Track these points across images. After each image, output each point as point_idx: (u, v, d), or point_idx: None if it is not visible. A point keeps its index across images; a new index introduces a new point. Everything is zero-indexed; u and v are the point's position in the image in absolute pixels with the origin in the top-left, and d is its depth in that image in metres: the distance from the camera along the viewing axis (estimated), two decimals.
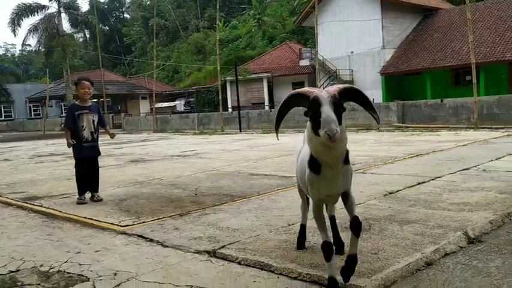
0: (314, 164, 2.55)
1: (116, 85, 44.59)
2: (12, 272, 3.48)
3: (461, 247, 3.45)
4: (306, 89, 2.49)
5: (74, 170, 6.05)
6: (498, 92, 20.51)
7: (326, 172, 2.53)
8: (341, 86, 2.49)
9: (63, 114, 41.36)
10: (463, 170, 6.67)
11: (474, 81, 15.85)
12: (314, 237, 3.78)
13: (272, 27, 49.50)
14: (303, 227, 3.54)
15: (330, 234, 3.08)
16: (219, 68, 24.77)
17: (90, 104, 5.90)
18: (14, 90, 48.69)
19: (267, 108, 30.35)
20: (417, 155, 8.67)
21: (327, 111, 2.28)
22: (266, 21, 49.44)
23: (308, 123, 2.50)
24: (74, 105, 5.92)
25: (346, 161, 2.60)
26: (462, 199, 4.84)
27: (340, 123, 2.31)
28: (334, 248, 2.82)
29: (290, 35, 46.45)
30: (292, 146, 12.64)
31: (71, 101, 32.85)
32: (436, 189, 5.43)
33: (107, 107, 37.97)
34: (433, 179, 6.08)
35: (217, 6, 26.18)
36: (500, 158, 7.68)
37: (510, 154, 8.06)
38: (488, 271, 2.97)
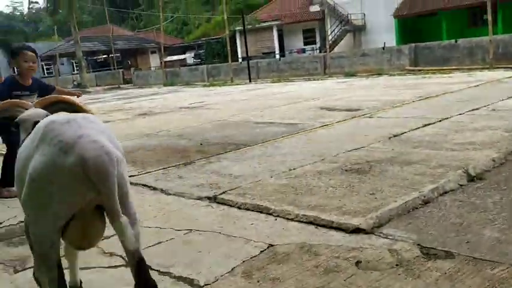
0: None
1: (125, 40, 44.08)
2: None
3: (461, 185, 3.44)
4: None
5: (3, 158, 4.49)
6: None
7: None
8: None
9: (75, 72, 41.36)
10: (472, 110, 6.54)
11: (489, 18, 15.20)
12: (314, 181, 3.81)
13: None
14: None
15: None
16: (225, 18, 24.20)
17: (31, 81, 4.36)
18: None
19: (277, 57, 29.81)
20: (426, 98, 8.51)
21: None
22: None
23: None
24: (13, 81, 4.29)
25: None
26: (467, 139, 4.78)
27: None
28: None
29: None
30: (299, 94, 12.36)
31: (80, 58, 32.13)
32: (441, 130, 5.36)
33: (116, 63, 37.75)
34: (440, 121, 5.99)
35: None
36: (511, 97, 7.49)
37: None
38: (485, 207, 2.97)
